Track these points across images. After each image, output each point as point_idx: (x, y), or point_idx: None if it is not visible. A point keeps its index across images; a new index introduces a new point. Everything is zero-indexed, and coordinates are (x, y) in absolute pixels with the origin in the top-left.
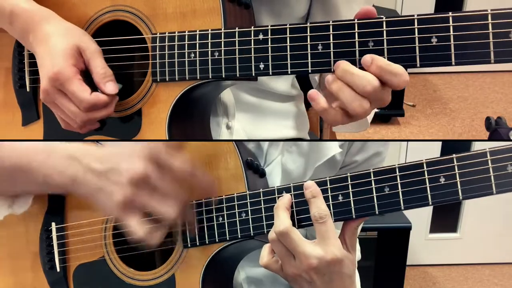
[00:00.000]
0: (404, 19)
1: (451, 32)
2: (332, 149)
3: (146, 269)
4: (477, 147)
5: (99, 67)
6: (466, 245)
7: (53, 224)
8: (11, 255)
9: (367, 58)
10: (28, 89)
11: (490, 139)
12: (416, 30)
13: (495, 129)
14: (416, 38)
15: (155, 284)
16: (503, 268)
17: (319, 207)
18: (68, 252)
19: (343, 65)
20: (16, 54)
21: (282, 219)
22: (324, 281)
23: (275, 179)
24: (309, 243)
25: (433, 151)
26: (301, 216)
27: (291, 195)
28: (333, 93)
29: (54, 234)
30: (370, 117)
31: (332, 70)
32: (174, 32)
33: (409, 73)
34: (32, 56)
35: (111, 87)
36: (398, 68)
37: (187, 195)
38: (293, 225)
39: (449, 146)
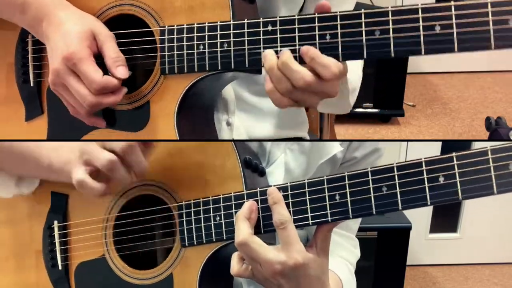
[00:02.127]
0: (409, 8)
1: (453, 21)
2: (334, 147)
3: (145, 268)
4: (477, 147)
5: (112, 51)
6: (466, 245)
7: (56, 222)
8: (15, 253)
9: (304, 49)
10: (32, 84)
11: (490, 139)
12: (420, 19)
13: (495, 129)
14: (421, 26)
15: (153, 283)
16: (503, 268)
17: (280, 213)
18: (70, 250)
19: (284, 57)
20: (20, 49)
21: (242, 229)
22: (291, 285)
23: (278, 177)
24: (271, 249)
25: (433, 151)
26: (297, 216)
27: (257, 200)
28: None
29: (56, 232)
30: (352, 100)
31: (341, 60)
32: (183, 25)
33: (409, 73)
34: (36, 51)
35: (122, 71)
36: (327, 60)
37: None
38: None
39: (449, 146)
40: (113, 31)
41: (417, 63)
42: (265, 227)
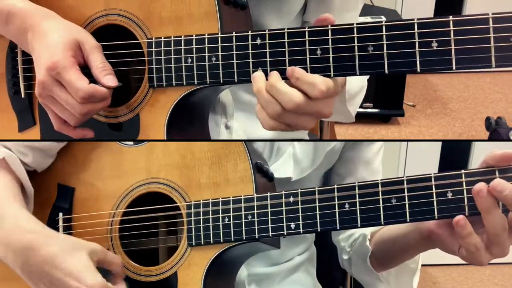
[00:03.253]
0: (404, 23)
1: (452, 37)
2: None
3: (150, 265)
4: (477, 147)
5: (98, 61)
6: None
7: (60, 214)
8: None
9: (289, 70)
10: (23, 95)
11: (490, 139)
12: (416, 34)
13: (495, 129)
14: (416, 42)
15: (158, 280)
16: (503, 268)
17: None
18: None
19: (271, 80)
20: (10, 60)
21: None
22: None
23: (287, 169)
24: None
25: (433, 151)
26: (306, 221)
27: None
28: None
29: (61, 224)
30: (354, 111)
31: (332, 75)
32: (170, 37)
33: (408, 74)
34: (26, 62)
35: (110, 80)
36: (313, 78)
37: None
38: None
39: (449, 146)
40: (101, 42)
41: None
42: (273, 231)
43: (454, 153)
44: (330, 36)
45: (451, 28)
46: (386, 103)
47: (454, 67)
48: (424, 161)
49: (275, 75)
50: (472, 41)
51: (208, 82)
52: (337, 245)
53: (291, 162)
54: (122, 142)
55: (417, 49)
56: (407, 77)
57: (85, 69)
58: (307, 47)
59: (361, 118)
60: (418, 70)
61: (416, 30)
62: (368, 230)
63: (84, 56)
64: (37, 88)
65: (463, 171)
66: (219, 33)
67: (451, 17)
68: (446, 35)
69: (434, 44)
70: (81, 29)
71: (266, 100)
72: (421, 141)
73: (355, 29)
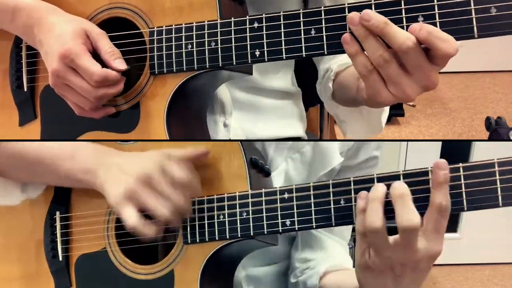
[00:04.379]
0: (392, 0)
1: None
2: (335, 158)
3: (146, 263)
4: (477, 147)
5: (107, 46)
6: (466, 245)
7: (58, 213)
8: (18, 243)
9: (415, 25)
10: (25, 89)
11: (490, 139)
12: (403, 10)
13: (495, 129)
14: (404, 18)
15: (154, 278)
16: (503, 268)
17: (446, 196)
18: (71, 241)
19: (382, 19)
20: (14, 55)
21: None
22: (413, 276)
23: (276, 184)
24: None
25: (433, 151)
26: (301, 218)
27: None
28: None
29: (58, 223)
30: (384, 119)
31: (326, 53)
32: (171, 25)
33: None
34: (30, 56)
35: (120, 64)
36: (447, 35)
37: (182, 199)
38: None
39: (449, 146)
40: None
41: None
42: (268, 228)
43: (454, 153)
44: (323, 16)
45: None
46: None
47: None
48: (424, 161)
49: (383, 18)
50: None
51: (207, 66)
52: (291, 259)
53: (282, 178)
54: (121, 142)
55: (404, 23)
56: None
57: (94, 56)
58: (302, 27)
59: None
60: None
61: (403, 6)
62: (323, 267)
63: (92, 43)
64: (51, 77)
65: (461, 164)
66: (218, 20)
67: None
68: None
69: (420, 19)
70: (86, 20)
71: (373, 44)
72: (421, 141)
73: (346, 9)
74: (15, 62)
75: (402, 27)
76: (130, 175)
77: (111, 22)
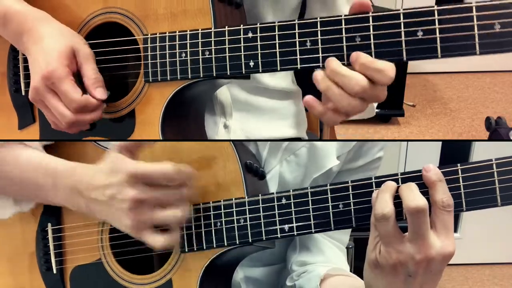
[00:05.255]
0: (390, 13)
1: (437, 25)
2: (331, 161)
3: (143, 273)
4: (477, 147)
5: (91, 72)
6: (466, 245)
7: (49, 225)
8: (9, 256)
9: (353, 55)
10: (23, 93)
11: (490, 139)
12: (402, 24)
13: (495, 129)
14: (402, 32)
15: None
16: (503, 268)
17: (446, 192)
18: (64, 253)
19: (333, 65)
20: (11, 59)
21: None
22: (425, 278)
23: (271, 188)
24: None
25: (433, 151)
26: (300, 223)
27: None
28: (322, 92)
29: (50, 235)
30: (374, 104)
31: (321, 66)
32: (165, 33)
33: (409, 73)
34: (26, 60)
35: (101, 93)
36: (382, 64)
37: (184, 196)
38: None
39: (449, 146)
40: (98, 39)
41: (417, 63)
42: (266, 234)
43: (454, 153)
44: (319, 28)
45: (436, 17)
46: (386, 103)
47: (439, 55)
48: (424, 161)
49: (335, 61)
50: (456, 29)
51: (201, 76)
52: (287, 262)
53: (276, 181)
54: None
55: (403, 38)
56: (407, 77)
57: (77, 76)
58: (297, 39)
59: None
60: (404, 58)
61: (401, 20)
62: (322, 270)
63: (78, 64)
64: (31, 92)
65: (459, 165)
66: (212, 28)
67: (435, 7)
68: (431, 24)
69: (420, 33)
70: (76, 34)
71: (325, 88)
72: (421, 141)
73: (343, 21)
74: (13, 66)
75: (400, 42)
76: (124, 208)
77: (106, 27)
